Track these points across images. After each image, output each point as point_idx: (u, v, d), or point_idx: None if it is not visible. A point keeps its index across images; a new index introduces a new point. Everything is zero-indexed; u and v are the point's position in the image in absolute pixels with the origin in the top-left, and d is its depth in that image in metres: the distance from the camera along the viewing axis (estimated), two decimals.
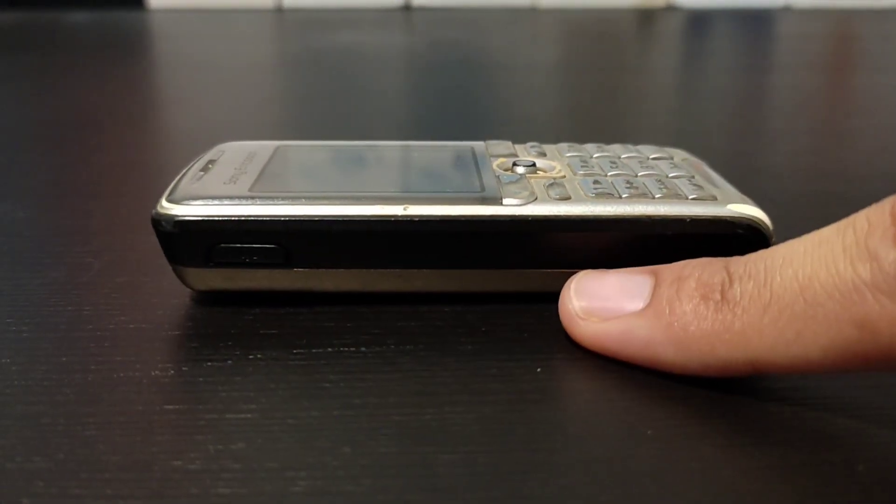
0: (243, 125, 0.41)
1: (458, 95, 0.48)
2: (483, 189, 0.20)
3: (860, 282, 0.13)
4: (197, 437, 0.15)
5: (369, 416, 0.16)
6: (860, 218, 0.14)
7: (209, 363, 0.17)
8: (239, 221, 0.19)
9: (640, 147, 0.24)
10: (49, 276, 0.22)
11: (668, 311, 0.16)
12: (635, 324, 0.17)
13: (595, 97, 0.49)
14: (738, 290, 0.15)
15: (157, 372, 0.17)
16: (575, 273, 0.19)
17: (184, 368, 0.17)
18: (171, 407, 0.16)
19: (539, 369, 0.17)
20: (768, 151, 0.36)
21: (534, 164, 0.22)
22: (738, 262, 0.16)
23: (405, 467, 0.14)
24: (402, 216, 0.19)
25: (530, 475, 0.14)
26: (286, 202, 0.19)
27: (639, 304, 0.17)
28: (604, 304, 0.17)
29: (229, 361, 0.18)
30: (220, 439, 0.15)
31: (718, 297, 0.15)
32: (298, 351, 0.18)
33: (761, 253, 0.16)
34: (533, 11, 0.92)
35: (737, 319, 0.15)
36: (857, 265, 0.13)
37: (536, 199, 0.19)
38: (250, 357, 0.18)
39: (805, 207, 0.28)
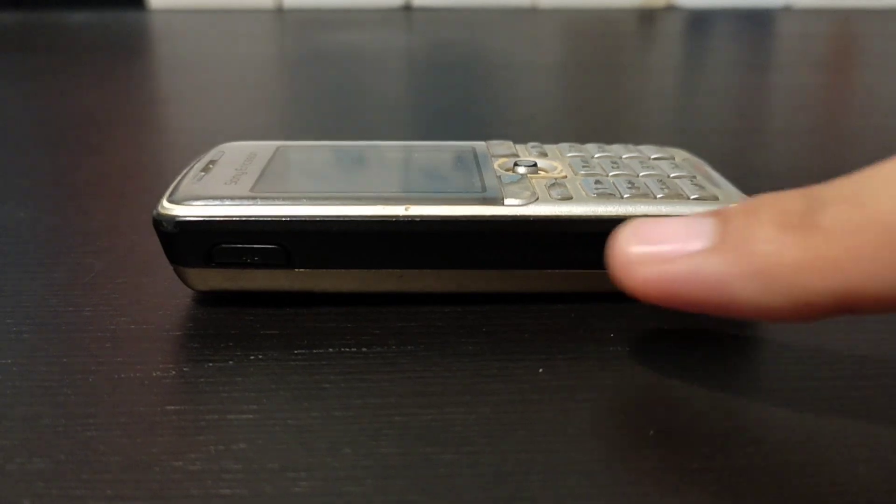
0: (244, 125, 0.41)
1: (458, 95, 0.48)
2: (484, 189, 0.20)
3: None
4: (198, 438, 0.15)
5: (370, 417, 0.16)
6: None
7: (210, 364, 0.17)
8: (240, 222, 0.19)
9: (641, 147, 0.24)
10: (50, 277, 0.22)
11: (743, 242, 0.14)
12: (706, 260, 0.14)
13: (596, 97, 0.49)
14: (829, 213, 0.13)
15: (158, 372, 0.17)
16: (576, 273, 0.19)
17: (185, 369, 0.17)
18: (172, 407, 0.16)
19: (540, 370, 0.17)
20: (769, 151, 0.36)
21: (535, 165, 0.22)
22: (821, 188, 0.14)
23: (406, 468, 0.14)
24: (403, 216, 0.19)
25: (531, 475, 0.14)
26: (287, 202, 0.19)
27: (701, 243, 0.14)
28: (665, 247, 0.15)
29: (230, 362, 0.18)
30: (221, 440, 0.15)
31: (804, 223, 0.13)
32: (299, 351, 0.18)
33: (849, 176, 0.14)
34: (533, 11, 0.92)
35: (830, 245, 0.13)
36: None
37: (538, 199, 0.19)
38: (251, 357, 0.18)
39: None
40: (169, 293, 0.21)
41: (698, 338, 0.19)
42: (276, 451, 0.15)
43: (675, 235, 0.15)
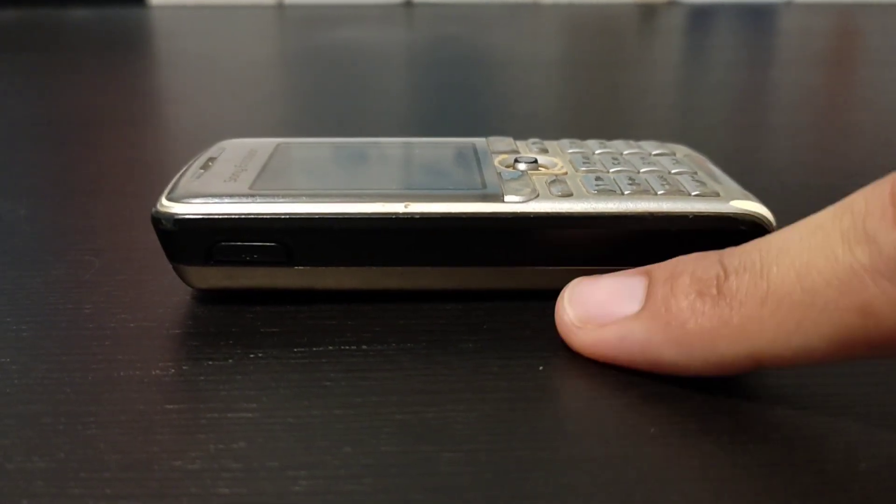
0: (244, 122, 0.41)
1: (459, 91, 0.48)
2: (484, 186, 0.20)
3: (859, 267, 0.13)
4: (198, 437, 0.15)
5: (370, 415, 0.16)
6: (857, 200, 0.14)
7: (210, 362, 0.17)
8: (239, 219, 0.19)
9: (642, 143, 0.24)
10: (50, 275, 0.22)
11: (664, 311, 0.16)
12: (632, 327, 0.16)
13: (597, 93, 0.49)
14: (735, 283, 0.15)
15: (157, 371, 0.17)
16: (577, 270, 0.19)
17: (184, 367, 0.17)
18: (171, 406, 0.16)
19: (541, 367, 0.17)
20: (771, 147, 0.36)
21: (535, 161, 0.22)
22: (732, 255, 0.15)
23: (407, 466, 0.14)
24: (403, 214, 0.19)
25: (532, 473, 0.14)
26: (287, 200, 0.19)
27: (634, 307, 0.16)
28: (599, 311, 0.17)
29: (230, 360, 0.18)
30: (220, 438, 0.15)
31: (715, 291, 0.15)
32: (299, 349, 0.18)
33: (755, 243, 0.15)
34: (535, 7, 0.92)
35: (735, 313, 0.15)
36: (855, 250, 0.13)
37: (538, 196, 0.19)
38: (251, 356, 0.18)
39: (807, 202, 0.28)
40: (169, 291, 0.20)
41: None
42: (276, 449, 0.15)
43: (607, 298, 0.17)
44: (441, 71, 0.56)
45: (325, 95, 0.47)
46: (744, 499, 0.13)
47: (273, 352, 0.18)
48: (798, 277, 0.14)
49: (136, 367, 0.17)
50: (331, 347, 0.18)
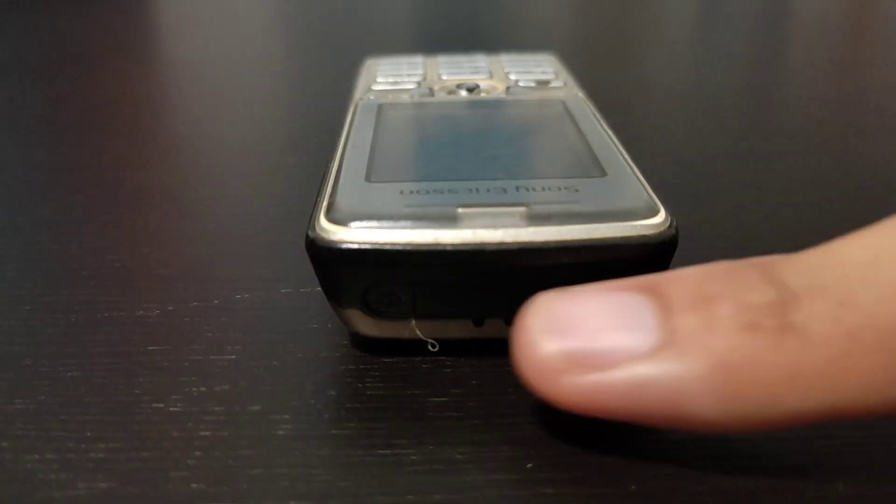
0: (243, 56, 0.40)
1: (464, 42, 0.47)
2: None
3: None
4: (180, 379, 0.15)
5: (356, 358, 0.15)
6: None
7: (195, 303, 0.17)
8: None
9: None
10: (35, 214, 0.21)
11: (700, 351, 0.11)
12: (651, 370, 0.11)
13: (608, 53, 0.48)
14: (805, 312, 0.11)
15: (141, 312, 0.17)
16: None
17: (169, 308, 0.17)
18: (154, 348, 0.16)
19: None
20: (785, 110, 0.35)
21: None
22: (788, 271, 0.11)
23: (393, 410, 0.14)
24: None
25: (522, 417, 0.14)
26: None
27: (642, 338, 0.11)
28: (592, 344, 0.11)
29: (216, 301, 0.17)
30: (203, 381, 0.15)
31: (776, 323, 0.11)
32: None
33: (819, 254, 0.11)
34: None
35: (813, 354, 0.10)
36: None
37: None
38: (237, 296, 0.17)
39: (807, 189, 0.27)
40: (154, 231, 0.20)
41: None
42: (259, 392, 0.14)
43: (600, 324, 0.12)
44: (444, 45, 0.54)
45: (324, 67, 0.46)
46: (747, 499, 0.13)
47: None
48: None
49: (120, 308, 0.17)
50: None
